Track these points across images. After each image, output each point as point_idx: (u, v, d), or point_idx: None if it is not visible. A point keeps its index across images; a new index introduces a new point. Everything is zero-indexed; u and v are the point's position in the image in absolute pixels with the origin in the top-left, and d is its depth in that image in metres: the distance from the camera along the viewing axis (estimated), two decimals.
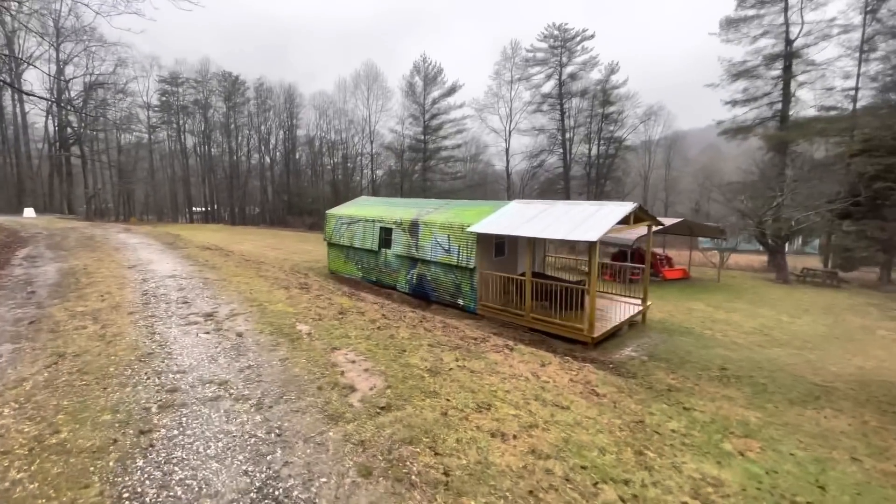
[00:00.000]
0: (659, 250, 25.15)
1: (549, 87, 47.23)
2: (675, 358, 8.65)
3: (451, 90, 48.20)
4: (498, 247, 11.56)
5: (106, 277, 6.46)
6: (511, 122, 49.49)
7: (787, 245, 21.70)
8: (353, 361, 3.72)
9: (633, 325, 10.90)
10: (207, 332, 4.15)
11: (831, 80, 33.52)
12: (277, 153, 63.25)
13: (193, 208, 66.12)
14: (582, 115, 47.62)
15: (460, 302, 11.18)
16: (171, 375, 3.25)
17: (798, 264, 24.52)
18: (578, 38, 45.35)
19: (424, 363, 3.82)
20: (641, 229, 14.88)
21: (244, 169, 63.90)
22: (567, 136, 47.47)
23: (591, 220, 9.00)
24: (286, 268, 9.77)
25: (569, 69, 46.03)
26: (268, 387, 3.13)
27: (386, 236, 12.92)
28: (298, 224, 47.22)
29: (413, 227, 12.04)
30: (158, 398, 2.94)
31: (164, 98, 60.48)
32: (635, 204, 9.70)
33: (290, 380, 3.26)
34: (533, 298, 9.82)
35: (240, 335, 4.12)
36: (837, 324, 13.76)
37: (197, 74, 59.79)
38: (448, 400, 3.24)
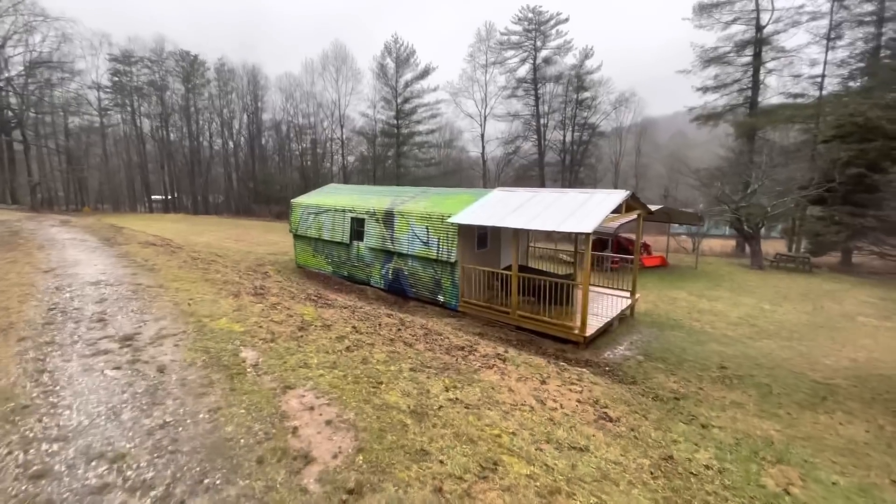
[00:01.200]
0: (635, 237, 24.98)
1: (523, 71, 46.35)
2: (671, 357, 8.10)
3: (425, 73, 46.60)
4: (480, 238, 10.73)
5: (9, 286, 5.24)
6: (486, 106, 48.46)
7: (761, 231, 21.81)
8: (312, 408, 2.74)
9: (622, 319, 10.33)
10: (118, 367, 3.11)
11: (799, 68, 34.03)
12: (242, 138, 60.10)
13: (153, 197, 62.37)
14: (556, 101, 47.06)
15: (441, 298, 10.33)
16: (45, 446, 2.23)
17: (763, 249, 24.77)
18: (553, 22, 44.53)
19: (407, 400, 2.96)
20: (625, 217, 14.35)
21: (206, 155, 60.52)
22: (542, 121, 46.88)
23: (582, 210, 8.26)
24: (245, 265, 8.64)
25: (543, 53, 45.25)
26: (185, 462, 2.17)
27: (358, 228, 11.86)
28: (265, 213, 45.06)
29: (388, 218, 11.03)
30: (12, 495, 1.90)
31: (115, 78, 56.19)
32: (627, 192, 9.02)
33: (218, 446, 2.30)
34: (519, 294, 9.07)
35: (161, 370, 3.10)
36: (817, 311, 13.69)
37: (151, 53, 55.78)
38: (442, 462, 2.39)
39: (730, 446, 4.27)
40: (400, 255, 10.91)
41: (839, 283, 18.59)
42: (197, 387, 2.82)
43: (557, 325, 8.46)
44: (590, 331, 8.23)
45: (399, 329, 5.66)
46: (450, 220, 9.41)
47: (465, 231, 9.79)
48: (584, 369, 6.68)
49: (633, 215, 10.03)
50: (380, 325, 5.53)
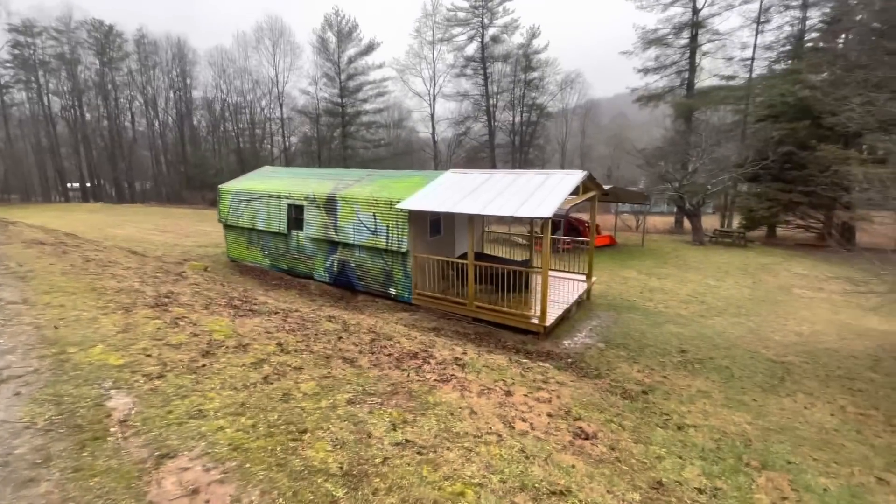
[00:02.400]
0: (585, 217, 25.28)
1: (472, 49, 45.28)
2: (631, 342, 7.85)
3: (369, 48, 44.27)
4: (433, 225, 9.97)
5: None
6: (435, 85, 47.08)
7: (701, 208, 22.67)
8: (197, 490, 1.82)
9: (579, 304, 10.04)
10: None
11: (731, 51, 35.53)
12: (169, 118, 54.81)
13: (69, 185, 55.96)
14: (505, 81, 46.55)
15: (392, 291, 9.53)
16: None
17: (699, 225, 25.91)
18: None
19: (338, 456, 2.20)
20: (580, 199, 14.11)
21: (129, 137, 54.79)
22: (491, 101, 46.31)
23: (539, 193, 7.70)
24: (155, 265, 7.38)
25: (491, 31, 44.34)
26: None
27: (296, 216, 10.70)
28: (198, 200, 41.47)
29: (330, 204, 9.97)
30: None
31: (16, 51, 49.26)
32: (584, 172, 8.57)
33: None
34: (476, 282, 8.46)
35: None
36: (757, 285, 14.27)
37: (58, 23, 49.16)
38: None
39: (712, 453, 3.90)
40: (345, 245, 9.94)
41: (771, 256, 19.69)
42: (24, 468, 1.92)
43: (516, 315, 7.96)
44: (550, 320, 7.80)
45: (340, 338, 4.83)
46: (399, 206, 8.56)
47: (416, 217, 8.99)
48: (547, 364, 6.20)
49: (589, 196, 9.65)
50: (316, 334, 4.67)
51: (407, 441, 2.62)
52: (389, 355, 4.55)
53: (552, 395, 4.33)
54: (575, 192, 8.53)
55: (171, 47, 52.70)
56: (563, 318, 8.65)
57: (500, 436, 3.06)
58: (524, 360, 5.90)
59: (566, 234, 20.02)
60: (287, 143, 52.09)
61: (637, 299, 11.65)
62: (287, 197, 10.78)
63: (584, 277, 10.52)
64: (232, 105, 52.49)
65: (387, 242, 9.09)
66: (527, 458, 2.82)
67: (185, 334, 3.72)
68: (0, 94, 51.10)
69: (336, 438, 2.49)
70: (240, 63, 50.42)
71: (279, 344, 3.90)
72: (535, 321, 7.72)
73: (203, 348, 3.47)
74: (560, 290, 9.42)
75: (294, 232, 10.85)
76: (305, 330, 4.80)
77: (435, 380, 3.96)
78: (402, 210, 8.61)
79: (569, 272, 11.04)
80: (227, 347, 3.57)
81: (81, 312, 3.89)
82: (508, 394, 4.04)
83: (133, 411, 2.44)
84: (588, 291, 10.54)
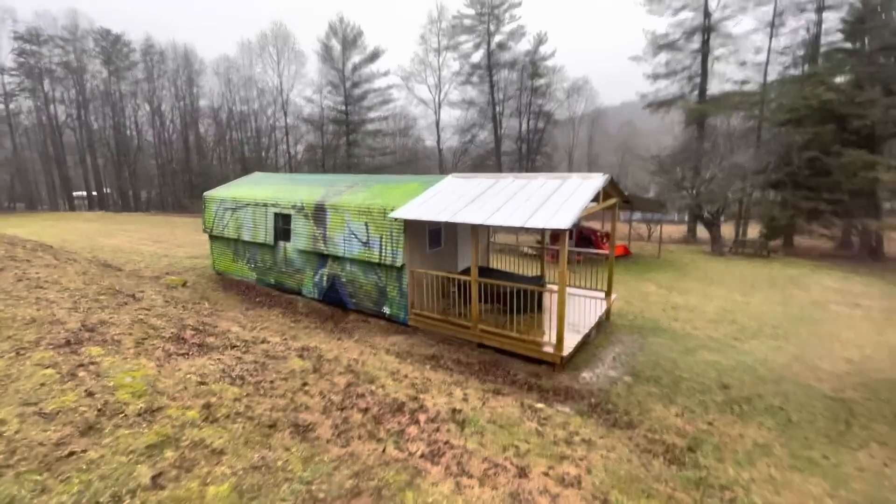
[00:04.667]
0: (597, 226, 24.15)
1: (478, 56, 44.60)
2: (663, 375, 6.71)
3: (374, 56, 43.70)
4: (433, 236, 8.94)
5: None
6: (440, 92, 46.38)
7: (721, 217, 21.44)
8: None
9: (598, 325, 8.90)
10: None
11: (744, 55, 34.45)
12: (174, 127, 54.59)
13: (73, 193, 55.91)
14: (511, 88, 45.73)
15: (386, 311, 8.48)
16: None
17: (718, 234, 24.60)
18: (506, 5, 42.97)
19: None
20: (601, 206, 13.04)
21: (134, 146, 54.59)
22: (497, 109, 45.47)
23: (554, 200, 6.65)
24: (120, 280, 6.45)
25: (497, 38, 43.63)
26: None
27: (283, 225, 9.73)
28: (200, 209, 40.92)
29: (318, 213, 8.99)
30: None
31: (22, 59, 49.44)
32: (605, 176, 7.52)
33: None
34: (482, 301, 7.40)
35: None
36: (789, 300, 13.03)
37: (64, 31, 49.33)
38: None
39: None
40: (335, 258, 8.93)
41: (797, 267, 18.39)
42: None
43: (528, 342, 6.86)
44: (567, 348, 6.69)
45: (305, 384, 3.78)
46: (392, 214, 7.53)
47: (413, 228, 7.97)
48: (567, 409, 5.10)
49: (609, 203, 8.57)
50: (272, 382, 3.63)
51: None
52: (365, 410, 3.48)
53: (580, 470, 3.23)
54: (594, 199, 7.47)
55: (178, 56, 52.65)
56: (583, 344, 7.53)
57: None
58: (539, 406, 4.80)
59: (577, 244, 18.91)
60: (293, 152, 51.57)
61: (661, 318, 10.50)
62: (273, 205, 9.82)
63: (602, 295, 9.40)
64: (237, 114, 52.18)
65: (380, 255, 8.06)
66: None
67: (76, 393, 2.69)
68: (6, 103, 51.28)
69: None
70: (244, 72, 50.23)
71: (207, 406, 2.86)
72: (550, 349, 6.61)
73: (88, 419, 2.45)
74: (577, 310, 8.30)
75: (281, 243, 9.87)
76: (261, 374, 3.75)
77: (421, 455, 2.89)
78: (396, 219, 7.59)
79: (585, 288, 9.92)
80: (125, 416, 2.54)
81: None
82: (522, 474, 2.96)
83: None
84: (608, 311, 9.41)
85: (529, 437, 3.74)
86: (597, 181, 7.09)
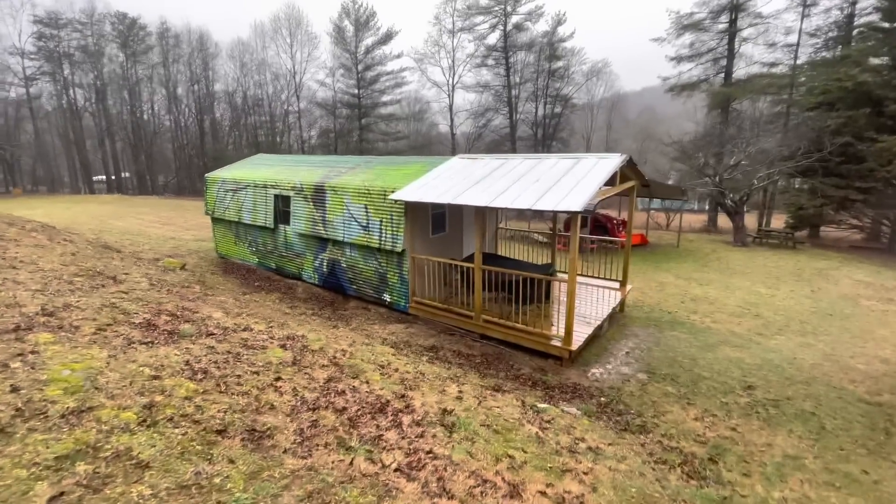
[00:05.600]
0: (613, 213, 23.35)
1: (493, 38, 43.27)
2: (681, 373, 6.19)
3: (387, 37, 42.82)
4: (436, 220, 8.47)
5: None
6: (454, 75, 45.29)
7: (745, 205, 20.42)
8: None
9: (611, 317, 8.38)
10: None
11: (774, 36, 32.70)
12: (190, 111, 54.72)
13: (94, 177, 56.87)
14: (528, 71, 44.40)
15: (387, 298, 8.09)
16: None
17: (730, 223, 23.48)
18: None
19: None
20: (618, 189, 12.39)
21: (150, 130, 54.98)
22: (513, 93, 44.26)
23: (567, 180, 6.10)
24: (105, 261, 6.17)
25: (514, 19, 42.21)
26: None
27: (283, 207, 9.37)
28: None
29: (318, 195, 8.59)
30: None
31: (41, 43, 50.01)
32: (623, 156, 6.91)
33: None
34: (486, 290, 6.94)
35: None
36: (817, 294, 12.26)
37: (81, 14, 49.57)
38: None
39: None
40: (335, 242, 8.54)
41: (826, 259, 17.43)
42: None
43: (534, 334, 6.39)
44: (577, 342, 6.20)
45: (279, 378, 3.39)
46: (392, 196, 7.07)
47: (415, 211, 7.51)
48: (573, 409, 4.64)
49: (627, 186, 7.95)
50: (240, 377, 3.25)
51: None
52: (341, 411, 3.08)
53: (584, 487, 2.78)
54: (611, 181, 6.89)
55: (193, 39, 52.51)
56: (594, 338, 7.03)
57: None
58: (543, 406, 4.35)
59: (592, 232, 18.21)
60: (303, 136, 51.27)
61: (679, 311, 9.90)
62: (273, 186, 9.45)
63: (617, 285, 8.84)
64: (251, 98, 51.98)
65: (380, 240, 7.63)
66: None
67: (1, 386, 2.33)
68: (27, 86, 52.00)
69: None
70: (258, 55, 49.82)
71: (149, 406, 2.49)
72: (558, 343, 6.14)
73: (1, 420, 2.08)
74: (589, 300, 7.78)
75: (281, 226, 9.53)
76: (230, 367, 3.38)
77: (396, 468, 2.48)
78: (396, 202, 7.14)
79: (598, 278, 9.37)
80: (46, 418, 2.18)
81: None
82: (514, 493, 2.52)
83: None
84: (622, 302, 8.86)
85: (528, 444, 3.30)
86: (614, 161, 6.50)
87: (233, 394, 2.96)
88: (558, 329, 6.30)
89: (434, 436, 3.05)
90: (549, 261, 9.96)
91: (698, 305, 10.57)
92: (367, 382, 3.79)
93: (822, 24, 30.08)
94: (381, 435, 2.88)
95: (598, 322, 7.08)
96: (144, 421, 2.40)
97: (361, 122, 45.14)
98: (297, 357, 4.03)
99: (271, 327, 4.99)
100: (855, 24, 26.64)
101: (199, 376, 3.12)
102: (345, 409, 3.16)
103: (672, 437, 4.41)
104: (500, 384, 5.09)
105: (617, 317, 8.72)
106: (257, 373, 3.45)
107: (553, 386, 5.51)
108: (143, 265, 8.33)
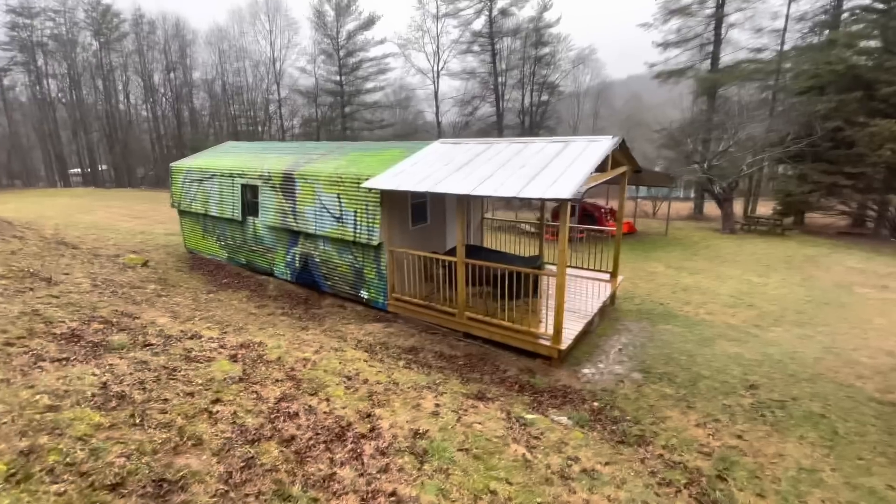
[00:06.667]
0: (601, 202, 22.97)
1: (479, 24, 42.30)
2: (678, 372, 5.77)
3: (369, 22, 41.53)
4: (416, 210, 7.90)
5: None
6: (439, 61, 44.26)
7: (733, 192, 20.19)
8: None
9: (602, 310, 7.94)
10: None
11: (760, 21, 32.44)
12: (165, 101, 52.80)
13: (70, 170, 54.89)
14: (514, 58, 43.57)
15: (364, 295, 7.53)
16: None
17: (716, 210, 23.31)
18: None
19: None
20: (609, 175, 11.89)
21: (126, 120, 53.01)
22: (500, 80, 43.47)
23: (555, 165, 5.57)
24: (54, 258, 5.53)
25: (499, 4, 41.24)
26: None
27: (251, 198, 8.69)
28: None
29: (287, 184, 7.94)
30: None
31: (14, 33, 47.85)
32: (615, 138, 6.40)
33: None
34: (469, 284, 6.43)
35: None
36: (809, 282, 12.01)
37: (55, 2, 47.33)
38: None
39: None
40: (307, 235, 7.93)
41: (815, 246, 17.28)
42: None
43: (521, 332, 5.90)
44: (567, 340, 5.73)
45: (214, 403, 2.83)
46: (366, 184, 6.47)
47: (392, 201, 6.92)
48: (563, 419, 4.17)
49: (619, 172, 7.46)
50: (166, 403, 2.68)
51: None
52: (289, 441, 2.54)
53: None
54: (602, 167, 6.38)
55: (169, 27, 50.50)
56: (584, 334, 6.57)
57: None
58: (530, 418, 3.87)
59: (580, 221, 17.79)
60: (284, 124, 49.87)
61: (671, 302, 9.53)
62: (240, 175, 8.75)
63: (607, 276, 8.40)
64: (231, 86, 50.31)
65: (354, 232, 7.04)
66: None
67: None
68: (0, 78, 49.82)
69: None
70: (236, 41, 48.11)
71: (27, 452, 1.88)
72: (547, 342, 5.66)
73: None
74: (578, 294, 7.32)
75: (250, 218, 8.86)
76: (159, 388, 2.80)
77: None
78: (370, 190, 6.54)
79: (587, 269, 8.93)
80: None
81: None
82: None
83: None
84: (613, 295, 8.43)
85: (513, 471, 2.80)
86: (605, 144, 5.99)
87: (150, 427, 2.39)
88: (547, 326, 5.82)
89: (401, 469, 2.53)
90: (537, 252, 9.48)
91: (690, 296, 10.21)
92: (328, 400, 3.24)
93: (809, 8, 29.87)
94: (334, 473, 2.35)
95: (589, 317, 6.62)
96: (14, 475, 1.84)
97: (345, 110, 44.01)
98: (248, 371, 3.47)
99: (225, 333, 4.40)
100: (845, 6, 26.42)
101: (113, 404, 2.54)
102: (293, 438, 2.62)
103: (674, 448, 3.96)
104: (483, 391, 4.59)
105: (608, 310, 8.29)
106: (192, 394, 2.89)
107: (542, 390, 5.04)
108: (96, 263, 7.63)
